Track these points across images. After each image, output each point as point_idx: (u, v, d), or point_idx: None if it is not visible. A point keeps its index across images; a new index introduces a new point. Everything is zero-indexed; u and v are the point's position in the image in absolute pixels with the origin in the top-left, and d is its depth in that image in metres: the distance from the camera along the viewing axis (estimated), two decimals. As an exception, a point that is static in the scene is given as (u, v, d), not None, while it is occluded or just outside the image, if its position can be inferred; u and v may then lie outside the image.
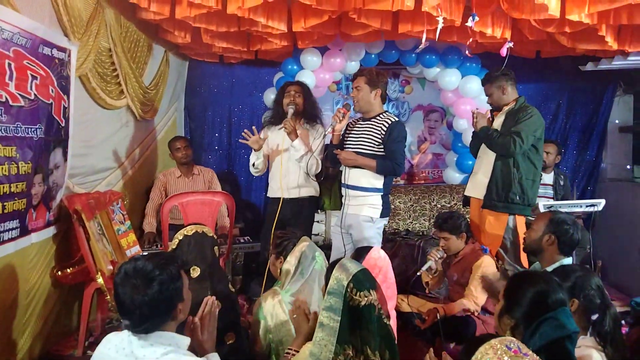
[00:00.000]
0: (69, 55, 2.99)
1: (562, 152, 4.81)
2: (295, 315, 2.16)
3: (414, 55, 4.98)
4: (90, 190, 3.47)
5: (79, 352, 3.14)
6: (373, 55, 5.01)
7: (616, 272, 4.91)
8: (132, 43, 3.87)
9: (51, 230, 3.02)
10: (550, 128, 5.53)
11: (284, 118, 3.73)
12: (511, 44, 3.54)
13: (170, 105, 5.09)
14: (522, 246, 2.92)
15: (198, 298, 1.98)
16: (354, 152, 3.36)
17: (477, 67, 4.99)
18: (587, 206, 3.71)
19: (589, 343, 1.99)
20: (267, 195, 4.03)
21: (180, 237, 2.33)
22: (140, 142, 4.37)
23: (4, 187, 2.49)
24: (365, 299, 1.73)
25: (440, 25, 3.16)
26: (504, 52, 3.51)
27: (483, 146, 3.59)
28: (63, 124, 3.01)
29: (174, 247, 2.33)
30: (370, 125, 3.37)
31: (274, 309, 2.35)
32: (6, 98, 2.45)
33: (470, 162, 5.07)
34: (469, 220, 3.53)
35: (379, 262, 2.38)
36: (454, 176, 5.54)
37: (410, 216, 5.18)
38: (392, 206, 4.95)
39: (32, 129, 2.69)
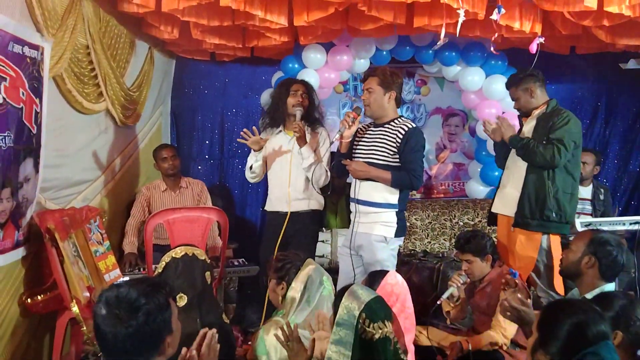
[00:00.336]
0: (42, 54, 3.01)
1: (601, 162, 4.82)
2: (288, 342, 2.16)
3: (431, 52, 5.01)
4: (65, 206, 3.47)
5: (50, 390, 3.14)
6: (385, 52, 5.05)
7: (665, 299, 4.89)
8: (112, 39, 3.90)
9: (20, 252, 3.02)
10: (587, 135, 5.54)
11: (285, 119, 3.75)
12: (542, 39, 3.57)
13: (155, 109, 5.12)
14: (557, 269, 2.92)
15: (184, 330, 1.98)
16: (365, 162, 3.38)
17: (503, 65, 5.02)
18: (630, 224, 3.70)
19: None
20: (265, 209, 4.04)
21: (168, 260, 2.34)
22: (121, 151, 4.39)
23: (-33, 203, 2.50)
24: (380, 331, 1.73)
25: (461, 19, 3.19)
26: (533, 48, 3.54)
27: (512, 156, 3.60)
28: (34, 131, 3.03)
29: (159, 271, 2.34)
30: (384, 132, 3.39)
31: (277, 343, 2.35)
32: (-29, 102, 2.47)
33: (497, 174, 5.07)
34: (494, 240, 3.53)
35: (396, 288, 2.38)
36: (477, 189, 5.55)
37: (428, 235, 5.18)
38: (408, 224, 4.95)
39: (0, 137, 2.71)
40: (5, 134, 2.75)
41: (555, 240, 3.47)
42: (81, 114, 3.60)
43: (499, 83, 4.91)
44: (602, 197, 4.54)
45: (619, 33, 4.01)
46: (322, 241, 4.42)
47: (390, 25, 4.11)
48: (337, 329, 1.77)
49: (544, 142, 3.39)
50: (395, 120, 3.41)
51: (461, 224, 5.18)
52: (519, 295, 2.35)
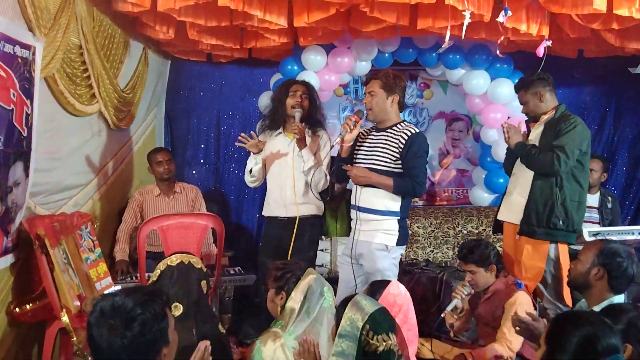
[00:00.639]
0: (34, 54, 3.01)
1: (609, 169, 4.83)
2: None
3: (434, 54, 5.03)
4: (55, 212, 3.47)
5: (38, 403, 3.12)
6: (387, 55, 5.07)
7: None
8: (106, 39, 3.91)
9: (8, 259, 3.01)
10: (595, 141, 5.55)
11: (284, 121, 3.75)
12: (549, 43, 3.59)
13: (149, 111, 5.12)
14: (565, 280, 2.92)
15: (180, 341, 1.99)
16: (366, 168, 3.39)
17: (509, 68, 5.04)
18: (639, 233, 3.72)
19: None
20: (263, 214, 4.04)
21: (163, 268, 2.34)
22: (114, 155, 4.39)
23: (-46, 208, 2.50)
24: (384, 343, 1.73)
25: (467, 21, 3.20)
26: (540, 51, 3.56)
27: (518, 162, 3.61)
28: (25, 134, 3.03)
29: (154, 279, 2.34)
30: (386, 137, 3.40)
31: (274, 354, 2.35)
32: (-40, 104, 2.47)
33: (502, 180, 5.09)
34: (498, 249, 3.53)
35: (399, 299, 2.39)
36: (482, 197, 5.56)
37: (430, 244, 5.18)
38: (410, 232, 4.95)
39: (-11, 140, 2.71)
40: (-5, 137, 2.75)
41: (564, 250, 3.48)
42: (73, 116, 3.60)
43: (504, 87, 4.93)
44: (609, 205, 4.55)
45: (628, 36, 4.03)
46: (322, 250, 4.43)
47: (393, 26, 4.12)
48: (340, 340, 1.77)
49: (547, 149, 3.39)
50: (398, 125, 3.41)
51: (465, 232, 5.19)
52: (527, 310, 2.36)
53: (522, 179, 3.56)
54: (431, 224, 5.23)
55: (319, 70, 4.99)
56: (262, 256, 3.94)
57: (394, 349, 1.76)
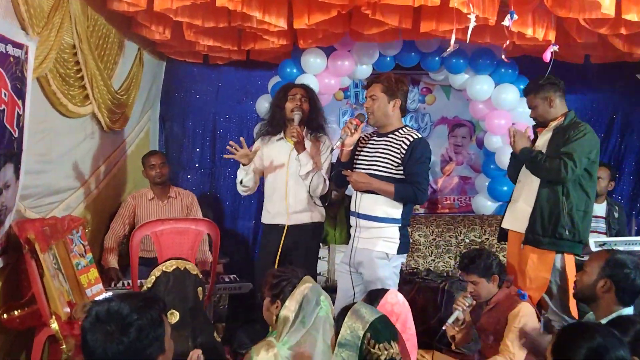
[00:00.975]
0: (26, 53, 3.02)
1: (616, 178, 4.85)
2: None
3: (437, 58, 5.05)
4: (46, 215, 3.47)
5: (25, 413, 3.11)
6: (388, 58, 5.08)
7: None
8: (100, 39, 3.92)
9: (-3, 263, 3.02)
10: (602, 148, 5.49)
11: (285, 126, 3.76)
12: (556, 48, 3.60)
13: (143, 113, 5.13)
14: (571, 291, 2.92)
15: (176, 349, 1.99)
16: (367, 173, 3.39)
17: (514, 73, 5.06)
18: (647, 244, 3.74)
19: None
20: (263, 222, 4.05)
21: (158, 274, 2.34)
22: (107, 158, 4.39)
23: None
24: (385, 352, 1.74)
25: (472, 25, 3.22)
26: (547, 56, 3.57)
27: (524, 169, 3.62)
28: (16, 135, 3.03)
29: (149, 285, 2.34)
30: (388, 142, 3.41)
31: (268, 363, 2.35)
32: (-50, 103, 2.47)
33: (505, 188, 5.10)
34: (501, 259, 3.52)
35: (397, 308, 2.39)
36: (485, 205, 5.57)
37: (432, 253, 5.19)
38: (411, 240, 4.96)
39: (-21, 141, 2.71)
40: (-15, 137, 2.75)
41: (570, 261, 3.47)
42: (66, 118, 3.60)
43: (508, 92, 4.95)
44: (616, 214, 4.56)
45: (636, 42, 4.05)
46: (320, 258, 4.43)
47: (395, 29, 4.14)
48: (340, 350, 1.78)
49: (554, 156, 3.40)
50: (400, 130, 3.43)
51: (467, 241, 5.19)
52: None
53: (528, 186, 3.57)
54: (433, 232, 5.23)
55: (319, 74, 5.00)
56: (259, 264, 3.94)
57: (397, 358, 1.77)
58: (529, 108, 3.67)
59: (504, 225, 3.76)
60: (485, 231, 5.23)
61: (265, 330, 2.76)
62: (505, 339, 3.14)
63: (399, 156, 3.34)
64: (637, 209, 5.62)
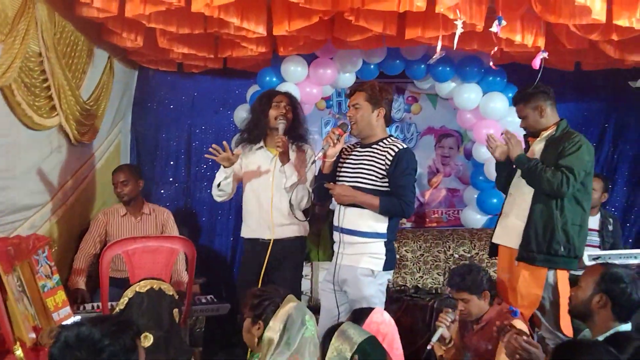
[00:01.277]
0: (-11, 62, 3.00)
1: (609, 189, 4.89)
2: None
3: (423, 66, 5.09)
4: (9, 234, 3.43)
5: None
6: (372, 66, 5.12)
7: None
8: (68, 47, 3.90)
9: (-43, 287, 2.96)
10: (594, 158, 5.62)
11: (266, 134, 3.76)
12: (546, 54, 3.65)
13: (113, 125, 5.09)
14: (564, 307, 2.93)
15: (150, 375, 1.96)
16: (350, 186, 3.40)
17: (502, 81, 5.12)
18: (643, 257, 3.77)
19: None
20: (243, 236, 4.02)
21: (131, 295, 2.32)
22: (75, 172, 4.35)
23: None
24: (374, 375, 1.73)
25: (459, 31, 3.25)
26: (537, 63, 3.62)
27: (515, 181, 3.64)
28: (-22, 149, 3.00)
29: (121, 307, 2.31)
30: (372, 153, 3.42)
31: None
32: None
33: (495, 201, 5.13)
34: (491, 274, 3.53)
35: (383, 327, 2.39)
36: (474, 218, 5.60)
37: (420, 269, 5.20)
38: (398, 256, 4.96)
39: (-62, 155, 2.67)
40: (-55, 151, 2.72)
41: (563, 276, 3.48)
42: (31, 130, 3.57)
43: (497, 101, 5.00)
44: (610, 227, 4.59)
45: (628, 48, 4.11)
46: (302, 276, 4.41)
47: (379, 36, 4.17)
48: (326, 373, 1.77)
49: (553, 168, 3.41)
50: (385, 140, 3.44)
51: (456, 256, 5.21)
52: (525, 337, 2.36)
53: (520, 199, 3.58)
54: (420, 247, 5.25)
55: (300, 82, 5.01)
56: (240, 281, 3.91)
57: (385, 381, 1.77)
58: (519, 118, 3.69)
59: (495, 240, 3.77)
60: (475, 245, 5.25)
61: (245, 355, 2.75)
62: (497, 358, 3.14)
63: (383, 167, 3.35)
64: (632, 221, 5.68)
